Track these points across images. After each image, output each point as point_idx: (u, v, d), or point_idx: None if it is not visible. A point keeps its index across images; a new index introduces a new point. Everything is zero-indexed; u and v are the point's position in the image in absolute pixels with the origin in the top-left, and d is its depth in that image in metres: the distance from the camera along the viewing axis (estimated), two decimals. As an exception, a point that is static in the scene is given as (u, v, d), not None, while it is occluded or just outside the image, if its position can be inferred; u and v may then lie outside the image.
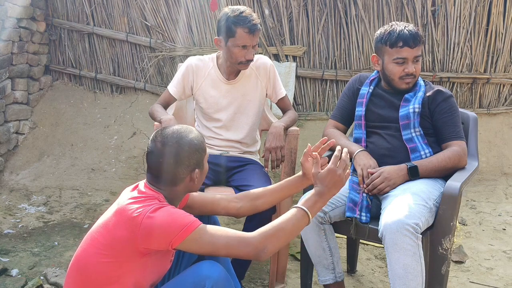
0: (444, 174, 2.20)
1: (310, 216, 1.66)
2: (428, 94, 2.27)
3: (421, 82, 2.32)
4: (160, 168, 1.64)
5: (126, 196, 1.65)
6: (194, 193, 1.92)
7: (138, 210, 1.55)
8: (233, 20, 2.35)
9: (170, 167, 1.63)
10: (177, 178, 1.66)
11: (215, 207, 1.92)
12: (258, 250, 1.56)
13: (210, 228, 1.57)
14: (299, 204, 1.69)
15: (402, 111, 2.25)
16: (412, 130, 2.23)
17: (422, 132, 2.24)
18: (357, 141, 2.35)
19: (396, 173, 2.15)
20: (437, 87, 2.30)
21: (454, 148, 2.21)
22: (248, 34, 2.35)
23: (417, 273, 1.92)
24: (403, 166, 2.16)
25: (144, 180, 1.71)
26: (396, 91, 2.31)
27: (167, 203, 1.63)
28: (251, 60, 2.44)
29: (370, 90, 2.36)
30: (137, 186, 1.70)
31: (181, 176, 1.66)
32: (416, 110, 2.23)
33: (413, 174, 2.16)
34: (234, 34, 2.36)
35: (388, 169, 2.15)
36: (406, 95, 2.28)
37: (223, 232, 1.58)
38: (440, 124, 2.25)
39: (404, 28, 2.22)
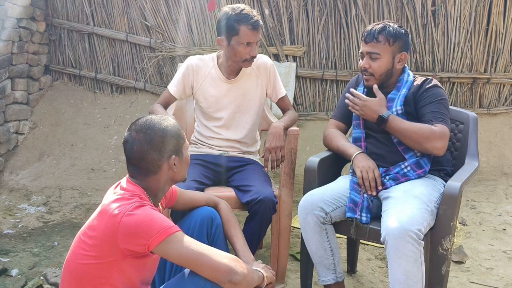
0: (411, 145, 2.18)
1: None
2: (415, 83, 2.26)
3: (409, 78, 2.29)
4: (135, 156, 1.64)
5: (109, 195, 1.65)
6: (186, 195, 1.97)
7: (118, 209, 1.54)
8: (235, 18, 2.35)
9: (145, 153, 1.63)
10: (154, 165, 1.65)
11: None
12: (234, 263, 1.56)
13: (189, 238, 1.57)
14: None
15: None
16: None
17: None
18: (356, 140, 2.35)
19: (371, 109, 2.21)
20: (424, 80, 2.27)
21: (431, 127, 2.16)
22: (251, 31, 2.36)
23: (418, 279, 1.92)
24: (378, 112, 2.21)
25: (127, 176, 1.70)
26: (382, 90, 2.30)
27: (148, 202, 1.63)
28: (255, 57, 2.44)
29: (366, 90, 2.36)
30: (119, 183, 1.69)
31: (157, 163, 1.65)
32: (399, 112, 2.23)
33: (380, 123, 2.20)
34: (237, 32, 2.36)
35: (370, 103, 2.23)
36: (389, 95, 2.28)
37: (200, 243, 1.58)
38: (424, 110, 2.21)
39: (378, 25, 2.24)
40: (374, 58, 2.24)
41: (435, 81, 2.27)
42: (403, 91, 2.26)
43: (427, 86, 2.24)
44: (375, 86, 2.26)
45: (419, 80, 2.29)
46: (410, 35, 2.32)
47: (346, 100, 2.30)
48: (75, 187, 3.74)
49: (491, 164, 4.18)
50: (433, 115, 2.19)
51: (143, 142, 1.63)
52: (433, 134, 2.13)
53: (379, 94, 2.25)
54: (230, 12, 2.37)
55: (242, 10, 2.36)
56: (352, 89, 2.31)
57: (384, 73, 2.26)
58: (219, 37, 2.42)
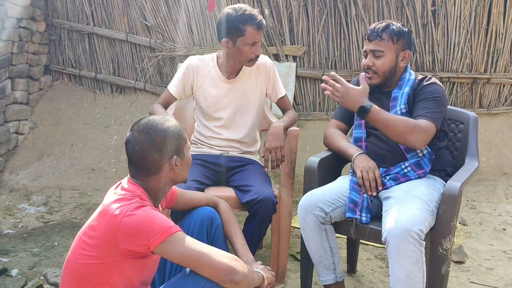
0: (393, 136, 2.15)
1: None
2: (415, 86, 2.26)
3: (411, 77, 2.30)
4: (137, 157, 1.65)
5: (109, 195, 1.65)
6: (186, 195, 1.97)
7: (119, 209, 1.54)
8: (240, 19, 2.35)
9: (146, 153, 1.63)
10: (155, 166, 1.65)
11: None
12: (235, 262, 1.58)
13: (190, 238, 1.58)
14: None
15: (392, 114, 2.25)
16: None
17: None
18: (357, 140, 2.35)
19: (353, 98, 2.14)
20: (425, 78, 2.28)
21: (416, 121, 2.15)
22: (257, 30, 2.37)
23: (419, 280, 1.93)
24: (360, 101, 2.14)
25: (128, 176, 1.71)
26: (385, 90, 2.31)
27: (149, 202, 1.63)
28: (259, 56, 2.45)
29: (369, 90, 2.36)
30: (120, 183, 1.70)
31: (159, 164, 1.65)
32: (403, 110, 2.23)
33: (361, 113, 2.14)
34: (243, 33, 2.35)
35: (353, 91, 2.14)
36: (393, 94, 2.28)
37: (201, 243, 1.59)
38: (416, 106, 2.21)
39: (381, 23, 2.26)
40: (378, 56, 2.24)
41: (434, 79, 2.27)
42: (406, 89, 2.26)
43: (426, 83, 2.25)
44: (362, 74, 2.23)
45: (420, 77, 2.30)
46: (412, 34, 2.31)
47: (323, 84, 2.21)
48: (75, 187, 3.74)
49: (491, 164, 4.18)
50: (423, 111, 2.18)
51: (145, 142, 1.64)
52: (417, 128, 2.12)
53: (364, 84, 2.21)
54: (233, 13, 2.36)
55: (245, 10, 2.36)
56: (332, 72, 2.22)
57: (388, 70, 2.26)
58: (224, 39, 2.40)
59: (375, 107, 2.15)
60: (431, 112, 2.17)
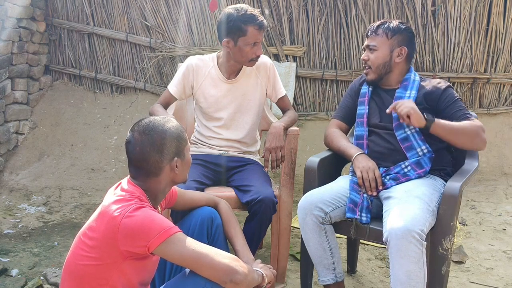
0: (460, 143, 2.16)
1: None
2: (425, 90, 2.25)
3: (416, 78, 2.31)
4: (137, 158, 1.64)
5: (109, 196, 1.65)
6: (187, 195, 1.97)
7: (118, 210, 1.54)
8: (242, 19, 2.35)
9: (147, 155, 1.63)
10: (156, 167, 1.65)
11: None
12: (235, 263, 1.58)
13: (189, 238, 1.58)
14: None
15: (394, 112, 2.25)
16: (407, 129, 2.22)
17: (417, 129, 2.22)
18: (358, 138, 2.35)
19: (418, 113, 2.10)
20: (433, 81, 2.28)
21: (472, 122, 2.16)
22: (258, 31, 2.37)
23: (419, 280, 1.92)
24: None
25: (127, 177, 1.70)
26: (385, 87, 2.33)
27: (148, 203, 1.63)
28: (259, 56, 2.46)
29: (371, 89, 2.37)
30: (120, 184, 1.69)
31: (159, 165, 1.65)
32: None
33: (428, 126, 2.11)
34: (245, 33, 2.36)
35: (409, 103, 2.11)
36: (397, 93, 2.28)
37: (201, 244, 1.59)
38: (450, 111, 2.21)
39: (380, 21, 2.33)
40: (372, 50, 2.29)
41: (444, 83, 2.28)
42: (412, 92, 2.25)
43: (443, 87, 2.24)
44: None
45: (428, 82, 2.29)
46: (413, 33, 2.33)
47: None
48: (75, 187, 3.74)
49: (491, 164, 4.18)
50: (462, 112, 2.20)
51: (145, 143, 1.63)
52: (480, 128, 2.15)
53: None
54: (234, 13, 2.36)
55: (247, 10, 2.37)
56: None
57: (382, 65, 2.28)
58: (225, 39, 2.41)
59: (437, 120, 2.13)
60: (468, 111, 2.21)
